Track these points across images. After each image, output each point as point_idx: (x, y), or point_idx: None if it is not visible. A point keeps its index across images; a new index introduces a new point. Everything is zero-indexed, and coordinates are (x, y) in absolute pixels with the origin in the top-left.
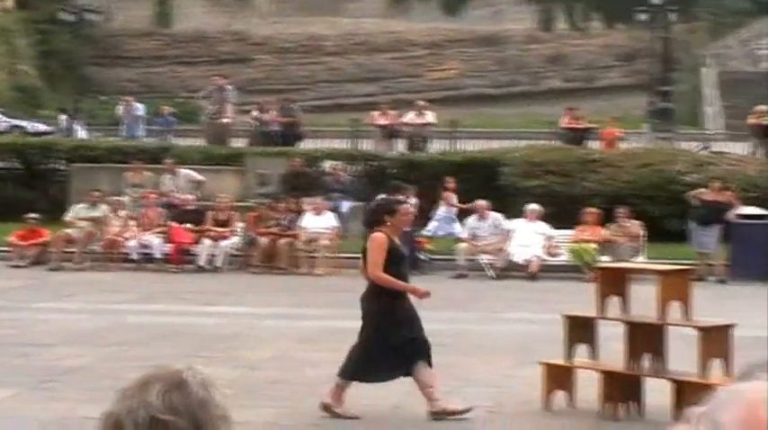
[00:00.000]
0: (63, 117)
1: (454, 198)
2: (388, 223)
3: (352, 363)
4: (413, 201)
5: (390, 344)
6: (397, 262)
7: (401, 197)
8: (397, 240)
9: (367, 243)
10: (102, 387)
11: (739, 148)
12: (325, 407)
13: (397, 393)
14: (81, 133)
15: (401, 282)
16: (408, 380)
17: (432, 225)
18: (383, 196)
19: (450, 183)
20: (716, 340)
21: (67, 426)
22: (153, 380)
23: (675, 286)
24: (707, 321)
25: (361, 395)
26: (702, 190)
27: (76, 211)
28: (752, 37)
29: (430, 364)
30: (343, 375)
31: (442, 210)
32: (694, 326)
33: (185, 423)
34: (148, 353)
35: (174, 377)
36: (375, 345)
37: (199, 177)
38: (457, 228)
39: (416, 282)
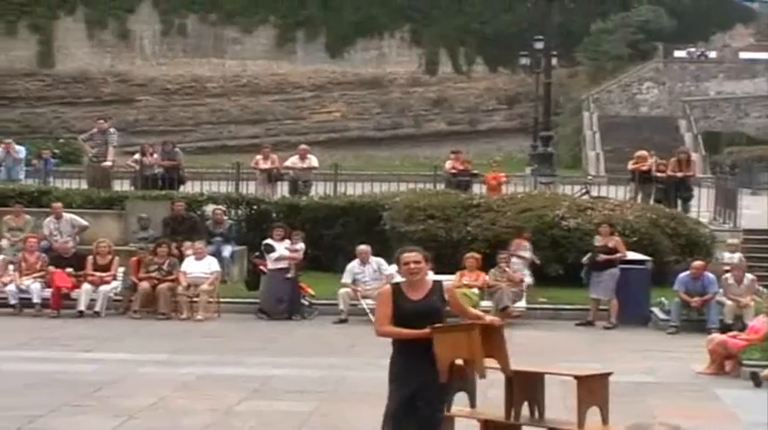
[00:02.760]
0: None
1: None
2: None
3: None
4: (300, 245)
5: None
6: (405, 315)
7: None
8: (408, 292)
9: None
10: None
11: (620, 193)
12: None
13: None
14: None
15: (404, 330)
16: None
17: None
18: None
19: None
20: (593, 388)
21: None
22: None
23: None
24: (584, 369)
25: None
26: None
27: None
28: (631, 82)
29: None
30: None
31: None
32: (572, 375)
33: None
34: (23, 402)
35: None
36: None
37: (83, 223)
38: None
39: (297, 327)
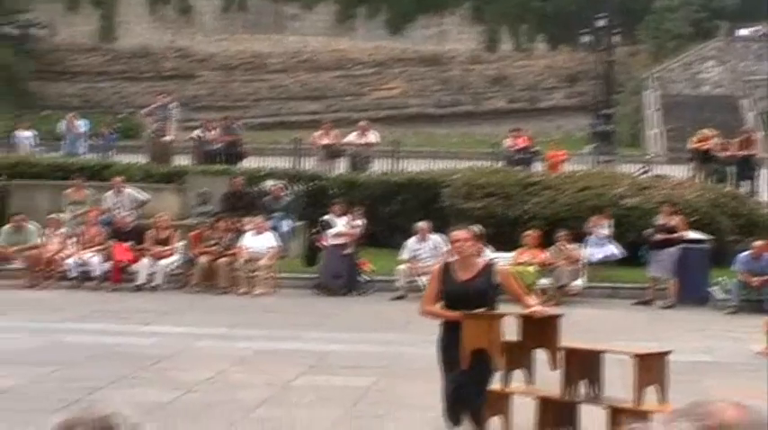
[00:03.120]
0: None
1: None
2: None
3: None
4: (359, 221)
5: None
6: (450, 295)
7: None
8: (457, 272)
9: None
10: (34, 409)
11: (679, 172)
12: None
13: None
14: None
15: (443, 311)
16: None
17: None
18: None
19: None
20: (651, 367)
21: None
22: (75, 425)
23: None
24: (643, 348)
25: None
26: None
27: (4, 235)
28: (693, 61)
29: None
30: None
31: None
32: (630, 354)
33: None
34: (83, 373)
35: (99, 422)
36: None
37: (144, 197)
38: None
39: (355, 303)
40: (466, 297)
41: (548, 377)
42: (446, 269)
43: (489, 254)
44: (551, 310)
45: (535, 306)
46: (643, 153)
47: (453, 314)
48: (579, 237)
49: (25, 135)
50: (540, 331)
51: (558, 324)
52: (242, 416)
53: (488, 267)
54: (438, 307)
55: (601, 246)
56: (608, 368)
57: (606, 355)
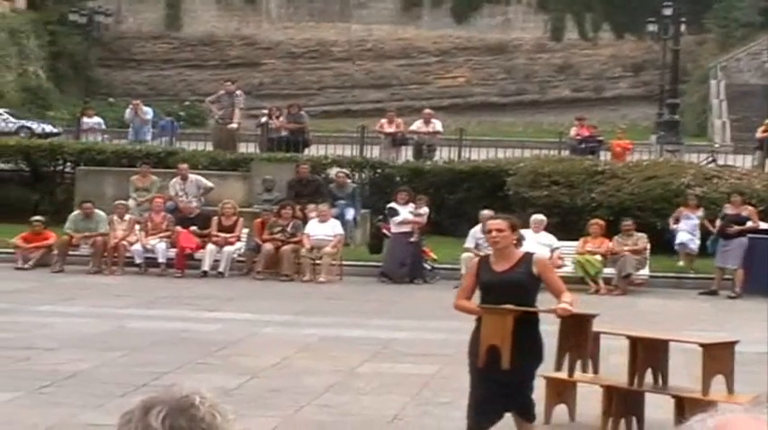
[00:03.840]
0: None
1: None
2: None
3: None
4: (424, 209)
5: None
6: (485, 288)
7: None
8: (494, 264)
9: None
10: (103, 393)
11: (746, 162)
12: None
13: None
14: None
15: (471, 305)
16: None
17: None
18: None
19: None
20: (718, 357)
21: None
22: (156, 404)
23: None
24: (710, 337)
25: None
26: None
27: (73, 222)
28: (761, 50)
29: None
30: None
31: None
32: (697, 343)
33: None
34: (149, 359)
35: (180, 401)
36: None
37: (209, 184)
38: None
39: (419, 291)
40: (503, 289)
41: (614, 366)
42: (482, 262)
43: (554, 242)
44: (577, 310)
45: (562, 303)
46: (709, 143)
47: (477, 308)
48: (643, 227)
49: (94, 121)
50: (573, 332)
51: (589, 326)
52: (308, 401)
53: (527, 257)
54: (469, 302)
55: (692, 234)
56: (672, 357)
57: (671, 345)
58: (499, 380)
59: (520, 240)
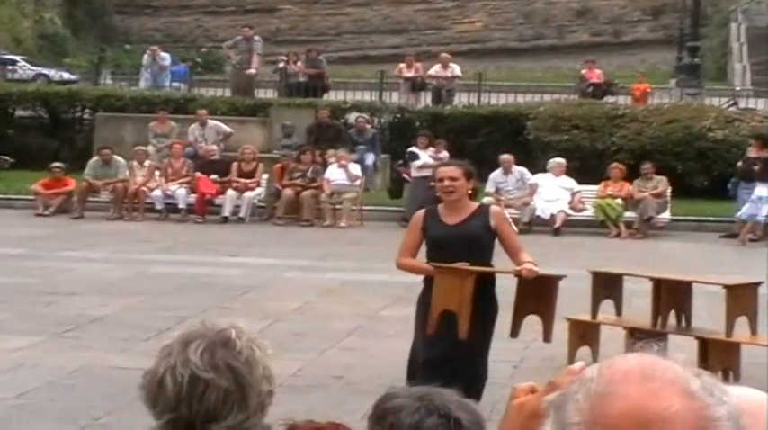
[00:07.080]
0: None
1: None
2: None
3: None
4: (444, 153)
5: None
6: (434, 243)
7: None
8: (443, 216)
9: None
10: (126, 336)
11: (767, 105)
12: None
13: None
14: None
15: (418, 264)
16: None
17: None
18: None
19: None
20: (742, 298)
21: (92, 375)
22: (194, 338)
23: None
24: (733, 279)
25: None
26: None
27: (92, 168)
28: None
29: None
30: None
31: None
32: (721, 284)
33: (227, 381)
34: (172, 303)
35: (218, 335)
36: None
37: (227, 129)
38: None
39: None
40: (456, 244)
41: (637, 308)
42: (428, 215)
43: (575, 186)
44: (542, 271)
45: (526, 263)
46: (729, 86)
47: (427, 267)
48: (663, 170)
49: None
50: (534, 294)
51: (555, 288)
52: (331, 344)
53: (483, 209)
54: (415, 260)
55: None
56: (695, 300)
57: (694, 287)
58: (450, 351)
59: (475, 190)
